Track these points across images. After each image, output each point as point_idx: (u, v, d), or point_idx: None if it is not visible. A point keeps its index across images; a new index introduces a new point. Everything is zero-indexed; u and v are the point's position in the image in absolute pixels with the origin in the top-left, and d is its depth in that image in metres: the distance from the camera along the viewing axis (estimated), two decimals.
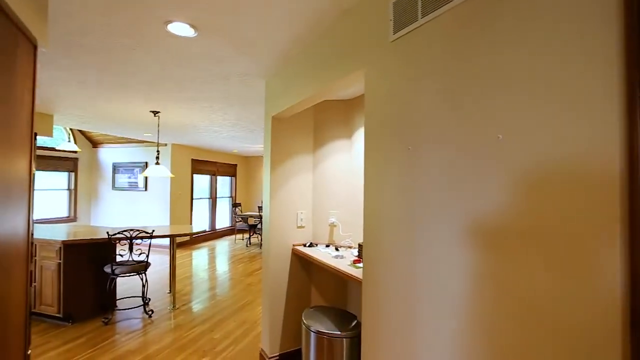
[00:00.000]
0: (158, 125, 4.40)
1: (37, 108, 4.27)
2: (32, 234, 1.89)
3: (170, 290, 4.41)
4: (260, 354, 2.82)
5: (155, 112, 4.33)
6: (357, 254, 2.44)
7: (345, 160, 2.87)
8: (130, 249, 3.69)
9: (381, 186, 1.41)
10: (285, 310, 2.75)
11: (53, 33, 2.06)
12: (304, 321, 2.15)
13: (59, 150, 7.37)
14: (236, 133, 6.10)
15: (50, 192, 7.43)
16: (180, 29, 1.95)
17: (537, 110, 0.87)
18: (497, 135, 0.97)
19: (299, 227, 2.85)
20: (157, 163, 4.38)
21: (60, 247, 3.53)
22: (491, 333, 0.97)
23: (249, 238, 8.67)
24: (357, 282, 1.87)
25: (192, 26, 1.93)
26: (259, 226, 8.42)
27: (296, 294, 2.81)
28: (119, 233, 3.58)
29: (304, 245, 2.82)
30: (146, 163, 7.91)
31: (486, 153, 1.00)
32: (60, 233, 3.98)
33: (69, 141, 7.16)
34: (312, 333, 2.07)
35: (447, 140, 1.13)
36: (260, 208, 8.21)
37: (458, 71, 1.09)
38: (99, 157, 8.25)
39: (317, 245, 2.83)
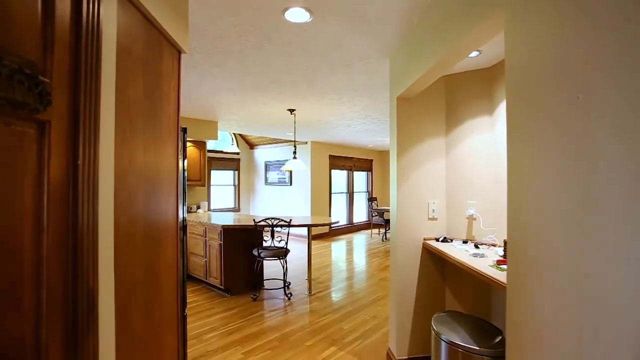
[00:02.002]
0: (294, 123, 4.75)
1: (205, 116, 5.22)
2: (184, 216, 2.24)
3: (307, 277, 4.69)
4: (387, 354, 2.64)
5: (291, 110, 4.66)
6: (502, 253, 1.97)
7: (486, 142, 2.38)
8: (272, 236, 4.08)
9: (535, 163, 1.02)
10: (415, 311, 2.48)
11: (200, 44, 2.39)
12: (434, 327, 1.86)
13: (226, 152, 8.92)
14: (368, 126, 6.04)
15: (222, 187, 9.08)
16: (296, 14, 1.95)
17: None
18: None
19: (430, 219, 2.53)
20: (295, 157, 4.71)
21: (221, 231, 4.19)
22: None
23: (385, 233, 8.53)
24: (491, 282, 1.48)
25: (307, 9, 1.90)
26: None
27: (427, 294, 2.50)
28: (262, 221, 4.00)
29: (437, 240, 2.48)
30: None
31: None
32: (226, 219, 4.74)
33: (232, 144, 8.57)
34: (442, 342, 1.77)
35: None
36: None
37: None
38: (254, 157, 9.60)
39: (452, 240, 2.45)
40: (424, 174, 2.52)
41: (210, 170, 8.59)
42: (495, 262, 1.79)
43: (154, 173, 1.46)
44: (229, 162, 9.10)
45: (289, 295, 4.18)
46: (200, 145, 5.61)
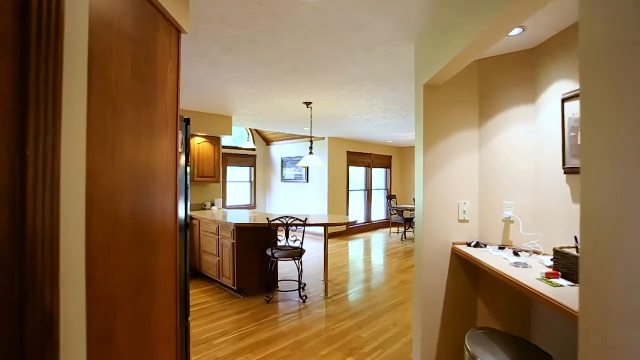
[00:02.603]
0: (311, 117, 4.53)
1: (218, 111, 5.07)
2: (187, 214, 2.05)
3: (323, 278, 4.48)
4: None
5: (307, 104, 4.44)
6: (550, 264, 1.69)
7: (527, 134, 2.09)
8: (287, 235, 3.88)
9: (620, 155, 0.76)
10: (443, 324, 2.22)
11: (207, 28, 2.20)
12: (468, 347, 1.61)
13: (242, 149, 8.80)
14: (388, 120, 5.75)
15: (238, 184, 8.98)
16: None
17: None
18: None
19: (460, 221, 2.26)
20: (311, 153, 4.49)
21: (233, 229, 4.03)
22: None
23: (404, 232, 8.22)
24: (548, 305, 1.21)
25: None
26: (414, 219, 7.88)
27: (456, 305, 2.24)
28: (276, 220, 3.81)
29: (468, 245, 2.21)
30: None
31: None
32: (240, 217, 4.59)
33: (248, 140, 8.44)
34: None
35: None
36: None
37: None
38: (271, 153, 9.45)
39: (485, 246, 2.18)
40: (453, 171, 2.25)
41: (226, 166, 8.49)
42: (543, 275, 1.52)
43: (147, 168, 1.27)
44: (245, 159, 8.98)
45: (304, 297, 3.98)
46: (214, 140, 5.47)
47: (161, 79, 1.40)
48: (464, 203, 2.25)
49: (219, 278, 4.31)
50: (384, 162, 10.20)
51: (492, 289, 2.23)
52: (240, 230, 4.05)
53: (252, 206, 9.22)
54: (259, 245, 4.27)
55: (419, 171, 2.28)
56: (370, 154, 9.59)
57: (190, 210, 5.33)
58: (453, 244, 2.25)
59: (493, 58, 2.22)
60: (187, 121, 1.85)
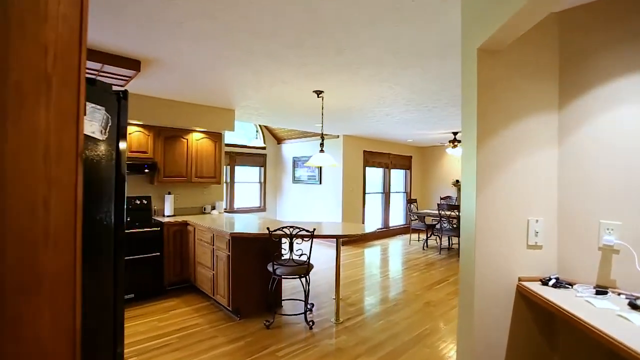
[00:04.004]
0: (322, 108, 3.89)
1: (218, 103, 4.48)
2: (120, 218, 1.42)
3: (334, 297, 3.82)
4: None
5: (318, 93, 3.79)
6: None
7: None
8: (291, 249, 3.24)
9: None
10: None
11: None
12: None
13: (251, 147, 8.23)
14: (410, 114, 5.03)
15: (247, 185, 8.41)
16: None
17: None
18: None
19: (530, 247, 1.55)
20: (322, 151, 3.84)
21: (229, 240, 3.42)
22: None
23: (426, 240, 7.45)
24: None
25: None
26: (437, 226, 7.09)
27: None
28: (278, 230, 3.17)
29: (542, 282, 1.50)
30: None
31: None
32: (240, 223, 3.98)
33: (257, 138, 7.86)
34: None
35: None
36: (441, 205, 6.88)
37: None
38: (282, 152, 8.85)
39: (571, 285, 1.47)
40: (520, 174, 1.55)
41: (234, 166, 7.94)
42: None
43: None
44: (255, 158, 8.41)
45: (311, 323, 3.33)
46: (215, 137, 4.89)
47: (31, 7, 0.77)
48: (536, 221, 1.55)
49: (213, 295, 3.71)
50: (404, 163, 9.43)
51: (581, 350, 1.50)
52: (237, 241, 3.44)
53: (262, 208, 8.64)
54: (259, 259, 3.65)
55: (469, 174, 1.59)
56: (389, 154, 8.85)
57: (187, 214, 4.77)
58: (519, 280, 1.54)
59: (584, 7, 1.51)
60: (121, 95, 1.22)
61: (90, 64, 2.66)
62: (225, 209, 7.85)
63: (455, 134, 6.80)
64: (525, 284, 1.52)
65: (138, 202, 4.38)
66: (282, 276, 3.24)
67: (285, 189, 8.76)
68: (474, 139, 1.55)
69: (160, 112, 4.24)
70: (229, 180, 7.90)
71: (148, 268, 3.93)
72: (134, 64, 2.80)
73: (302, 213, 8.27)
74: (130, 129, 4.15)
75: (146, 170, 4.20)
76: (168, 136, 4.47)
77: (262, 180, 8.67)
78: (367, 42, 2.40)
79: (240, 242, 3.46)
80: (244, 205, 8.30)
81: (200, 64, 2.96)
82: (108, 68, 2.76)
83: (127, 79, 2.99)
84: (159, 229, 4.03)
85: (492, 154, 1.54)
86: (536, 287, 1.49)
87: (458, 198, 8.85)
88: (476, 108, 1.54)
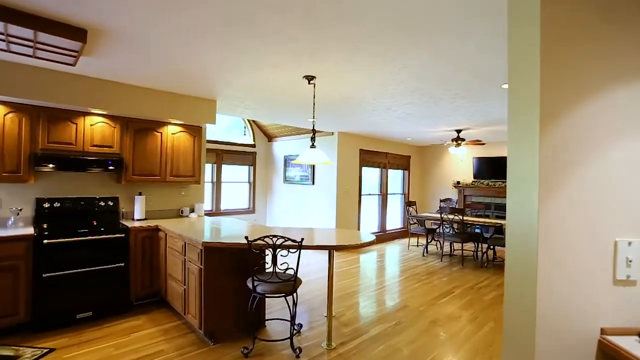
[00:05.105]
0: (314, 97, 3.36)
1: (198, 92, 3.93)
2: None
3: (327, 314, 3.29)
4: None
5: (310, 79, 3.26)
6: None
7: None
8: (274, 263, 2.70)
9: None
10: None
11: None
12: None
13: (239, 145, 7.68)
14: (414, 108, 4.53)
15: (235, 185, 7.84)
16: None
17: None
18: None
19: (620, 282, 1.04)
20: (313, 146, 3.31)
21: (201, 250, 2.87)
22: None
23: (426, 245, 6.96)
24: None
25: None
26: (438, 230, 6.58)
27: None
28: (259, 239, 2.63)
29: None
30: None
31: None
32: (227, 228, 3.44)
33: (245, 134, 7.30)
34: None
35: None
36: (443, 208, 6.38)
37: None
38: (273, 150, 8.30)
39: None
40: (606, 174, 1.04)
41: (221, 164, 7.37)
42: None
43: None
44: (244, 156, 7.85)
45: (298, 350, 2.79)
46: (193, 130, 4.34)
47: None
48: (629, 244, 1.03)
49: (184, 314, 3.16)
50: (402, 163, 8.93)
51: None
52: (212, 251, 2.89)
53: (250, 210, 8.08)
54: (238, 273, 3.11)
55: (523, 177, 1.07)
56: (387, 153, 8.34)
57: (161, 218, 4.21)
58: (602, 332, 1.03)
59: None
60: None
61: (19, 31, 2.10)
62: (210, 211, 7.28)
63: (459, 131, 6.31)
64: (613, 338, 1.01)
65: (102, 203, 3.81)
66: (265, 294, 2.70)
67: (276, 190, 8.21)
68: (533, 123, 1.03)
69: (128, 101, 3.68)
70: (214, 180, 7.33)
71: (110, 281, 3.36)
72: (78, 34, 2.24)
73: (293, 215, 7.73)
74: (92, 119, 3.58)
75: (110, 167, 3.63)
76: (138, 129, 3.91)
77: (252, 180, 8.12)
78: (365, 10, 1.87)
79: (215, 253, 2.92)
80: (232, 206, 7.73)
81: (164, 39, 2.41)
82: (45, 38, 2.20)
83: (73, 53, 2.43)
84: (123, 235, 3.46)
85: (563, 145, 1.02)
86: (629, 344, 0.97)
87: (459, 200, 8.38)
88: (539, 76, 1.02)
